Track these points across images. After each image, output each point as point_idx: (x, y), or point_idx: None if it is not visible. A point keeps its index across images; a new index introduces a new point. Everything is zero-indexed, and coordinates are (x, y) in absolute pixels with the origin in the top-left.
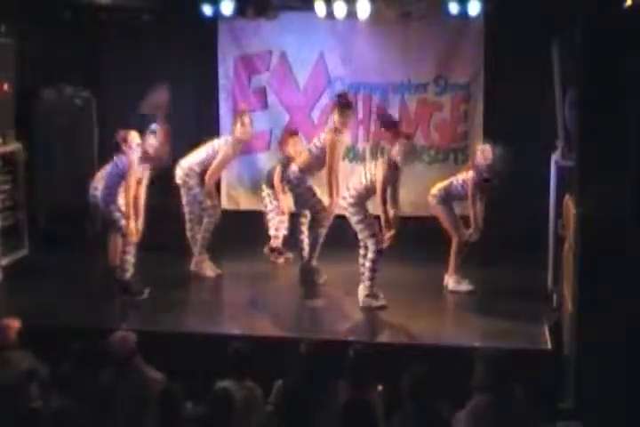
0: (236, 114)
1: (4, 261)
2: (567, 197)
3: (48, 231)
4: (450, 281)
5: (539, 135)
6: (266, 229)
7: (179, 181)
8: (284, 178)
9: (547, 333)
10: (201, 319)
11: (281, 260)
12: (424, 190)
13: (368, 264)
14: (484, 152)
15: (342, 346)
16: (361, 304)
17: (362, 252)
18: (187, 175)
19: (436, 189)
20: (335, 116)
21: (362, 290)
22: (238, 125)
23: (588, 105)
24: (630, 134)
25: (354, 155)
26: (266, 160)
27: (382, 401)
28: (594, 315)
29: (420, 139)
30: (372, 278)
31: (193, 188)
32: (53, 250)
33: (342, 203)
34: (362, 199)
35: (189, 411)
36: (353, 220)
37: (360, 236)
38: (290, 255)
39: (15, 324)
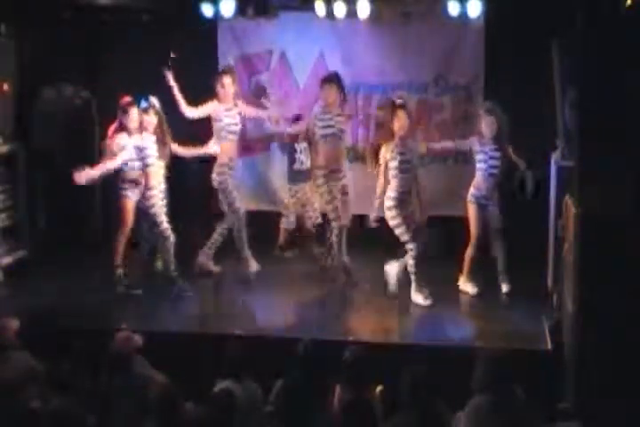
0: (217, 75)
1: (4, 261)
2: (567, 197)
3: (48, 231)
4: (460, 280)
5: (539, 135)
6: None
7: None
8: None
9: (547, 333)
10: (201, 319)
11: (289, 254)
12: (425, 190)
13: (409, 268)
14: (488, 123)
15: (341, 346)
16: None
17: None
18: None
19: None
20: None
21: (412, 289)
22: (218, 86)
23: (588, 105)
24: (630, 134)
25: (354, 155)
26: (266, 161)
27: (382, 401)
28: (594, 315)
29: (420, 139)
30: (415, 280)
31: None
32: (53, 250)
33: (386, 205)
34: (398, 203)
35: (190, 411)
36: (390, 224)
37: (400, 240)
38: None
39: (15, 324)
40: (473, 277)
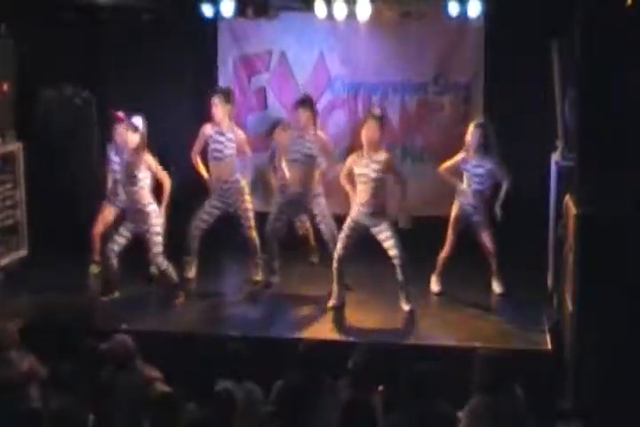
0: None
1: (4, 261)
2: (567, 197)
3: (48, 231)
4: (432, 278)
5: (539, 135)
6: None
7: None
8: None
9: (547, 333)
10: (201, 319)
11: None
12: (423, 190)
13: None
14: (475, 136)
15: (342, 346)
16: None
17: None
18: None
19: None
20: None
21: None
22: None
23: (588, 105)
24: (630, 134)
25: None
26: (264, 161)
27: (382, 401)
28: (594, 315)
29: (420, 139)
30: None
31: None
32: (53, 250)
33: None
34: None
35: (190, 412)
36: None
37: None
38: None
39: (16, 324)
40: (442, 276)
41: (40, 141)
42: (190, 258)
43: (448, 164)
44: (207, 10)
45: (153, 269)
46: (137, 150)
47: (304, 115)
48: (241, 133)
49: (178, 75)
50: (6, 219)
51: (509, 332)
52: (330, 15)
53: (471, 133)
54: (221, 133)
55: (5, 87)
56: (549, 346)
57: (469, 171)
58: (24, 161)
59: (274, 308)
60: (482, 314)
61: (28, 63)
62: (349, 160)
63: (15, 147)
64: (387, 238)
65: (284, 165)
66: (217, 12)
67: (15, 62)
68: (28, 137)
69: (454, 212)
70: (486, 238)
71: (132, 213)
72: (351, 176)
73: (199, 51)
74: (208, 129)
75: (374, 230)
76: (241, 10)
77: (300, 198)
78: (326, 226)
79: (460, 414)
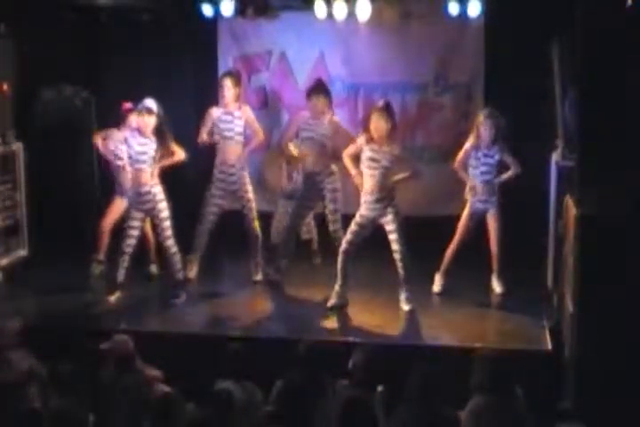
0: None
1: (4, 262)
2: (567, 197)
3: (48, 231)
4: (435, 276)
5: (539, 135)
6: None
7: None
8: None
9: (547, 333)
10: (201, 319)
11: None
12: (424, 190)
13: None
14: (487, 127)
15: (342, 346)
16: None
17: None
18: None
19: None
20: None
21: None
22: (220, 89)
23: (588, 105)
24: (630, 134)
25: None
26: (264, 160)
27: (382, 401)
28: (594, 315)
29: (421, 139)
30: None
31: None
32: (53, 250)
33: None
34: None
35: (190, 412)
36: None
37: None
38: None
39: (16, 324)
40: (446, 275)
41: (40, 141)
42: (193, 257)
43: (460, 155)
44: (207, 10)
45: (152, 269)
46: (157, 130)
47: (319, 101)
48: (249, 110)
49: (178, 75)
50: (6, 219)
51: (509, 332)
52: (330, 15)
53: (482, 124)
54: (229, 113)
55: (5, 87)
56: (549, 346)
57: (479, 160)
58: (24, 161)
59: (274, 308)
60: (482, 314)
61: (28, 63)
62: (362, 139)
63: (15, 147)
64: (392, 231)
65: (292, 147)
66: (217, 12)
67: (15, 62)
68: (28, 137)
69: (466, 211)
70: (495, 233)
71: (138, 197)
72: (357, 158)
73: (199, 51)
74: (214, 111)
75: (382, 221)
76: (241, 10)
77: (316, 178)
78: (333, 223)
79: (461, 415)
